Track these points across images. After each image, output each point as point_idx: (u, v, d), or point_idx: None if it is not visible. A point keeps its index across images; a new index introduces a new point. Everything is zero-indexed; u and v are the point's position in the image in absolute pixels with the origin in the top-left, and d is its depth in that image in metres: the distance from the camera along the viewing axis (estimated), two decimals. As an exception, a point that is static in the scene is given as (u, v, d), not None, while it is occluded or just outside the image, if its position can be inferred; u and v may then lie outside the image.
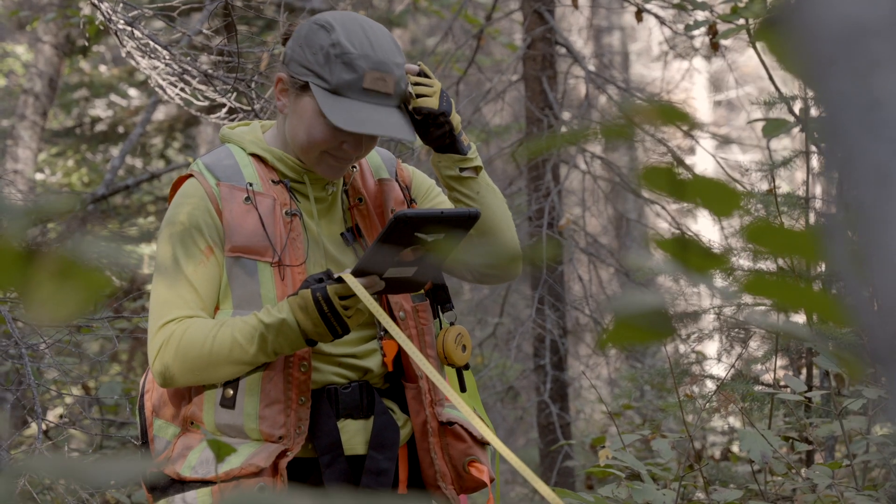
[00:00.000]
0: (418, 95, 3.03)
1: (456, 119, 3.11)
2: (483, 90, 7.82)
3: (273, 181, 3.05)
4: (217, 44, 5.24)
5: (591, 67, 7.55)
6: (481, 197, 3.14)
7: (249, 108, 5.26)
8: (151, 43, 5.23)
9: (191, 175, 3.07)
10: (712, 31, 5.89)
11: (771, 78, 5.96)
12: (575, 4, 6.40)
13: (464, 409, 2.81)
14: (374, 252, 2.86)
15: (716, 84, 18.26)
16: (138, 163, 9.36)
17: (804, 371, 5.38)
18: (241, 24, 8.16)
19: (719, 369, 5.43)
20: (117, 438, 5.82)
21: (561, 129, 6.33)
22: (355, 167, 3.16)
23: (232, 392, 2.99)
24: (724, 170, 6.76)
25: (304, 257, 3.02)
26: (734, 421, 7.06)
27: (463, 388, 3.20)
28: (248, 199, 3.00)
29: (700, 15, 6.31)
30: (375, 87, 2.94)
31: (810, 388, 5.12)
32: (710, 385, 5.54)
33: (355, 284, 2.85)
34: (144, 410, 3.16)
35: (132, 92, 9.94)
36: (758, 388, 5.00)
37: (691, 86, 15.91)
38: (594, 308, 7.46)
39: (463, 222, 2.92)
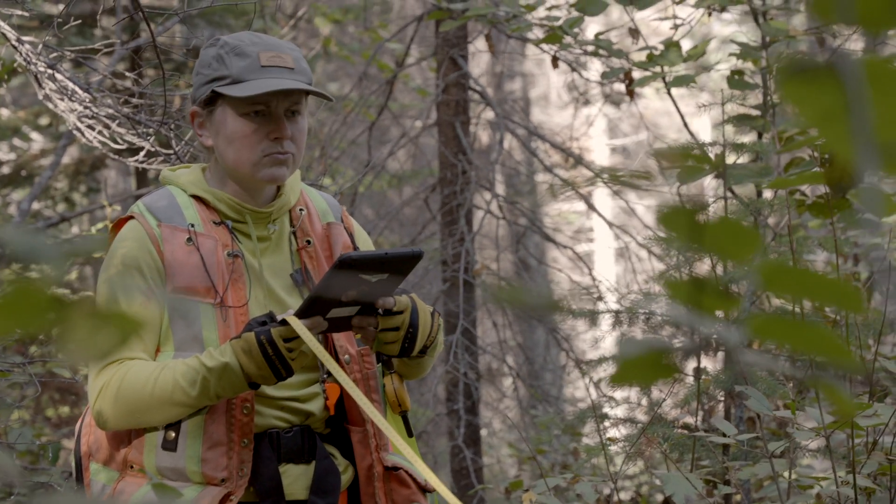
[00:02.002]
0: (385, 342, 2.97)
1: (426, 335, 3.03)
2: (395, 135, 7.85)
3: (214, 222, 3.04)
4: (142, 87, 5.20)
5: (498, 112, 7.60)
6: (424, 363, 3.15)
7: (171, 152, 5.22)
8: (71, 85, 5.18)
9: (131, 217, 3.05)
10: (628, 79, 5.97)
11: (686, 125, 6.06)
12: (492, 51, 6.46)
13: (409, 455, 2.81)
14: (317, 293, 2.86)
15: (612, 130, 18.50)
16: (42, 206, 9.25)
17: (723, 414, 5.44)
18: (150, 67, 8.12)
19: (639, 413, 5.48)
20: (28, 485, 5.70)
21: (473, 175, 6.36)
22: (303, 210, 3.15)
23: (174, 434, 2.96)
24: (633, 213, 6.84)
25: (245, 298, 3.01)
26: (653, 464, 7.12)
27: (410, 433, 3.20)
28: (189, 240, 2.98)
29: (614, 62, 6.40)
30: (274, 63, 2.97)
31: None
32: (624, 430, 5.58)
33: (300, 327, 2.84)
34: (80, 454, 3.12)
35: (35, 135, 9.83)
36: (678, 430, 5.05)
37: (592, 132, 16.10)
38: (505, 352, 7.49)
39: (406, 262, 2.92)
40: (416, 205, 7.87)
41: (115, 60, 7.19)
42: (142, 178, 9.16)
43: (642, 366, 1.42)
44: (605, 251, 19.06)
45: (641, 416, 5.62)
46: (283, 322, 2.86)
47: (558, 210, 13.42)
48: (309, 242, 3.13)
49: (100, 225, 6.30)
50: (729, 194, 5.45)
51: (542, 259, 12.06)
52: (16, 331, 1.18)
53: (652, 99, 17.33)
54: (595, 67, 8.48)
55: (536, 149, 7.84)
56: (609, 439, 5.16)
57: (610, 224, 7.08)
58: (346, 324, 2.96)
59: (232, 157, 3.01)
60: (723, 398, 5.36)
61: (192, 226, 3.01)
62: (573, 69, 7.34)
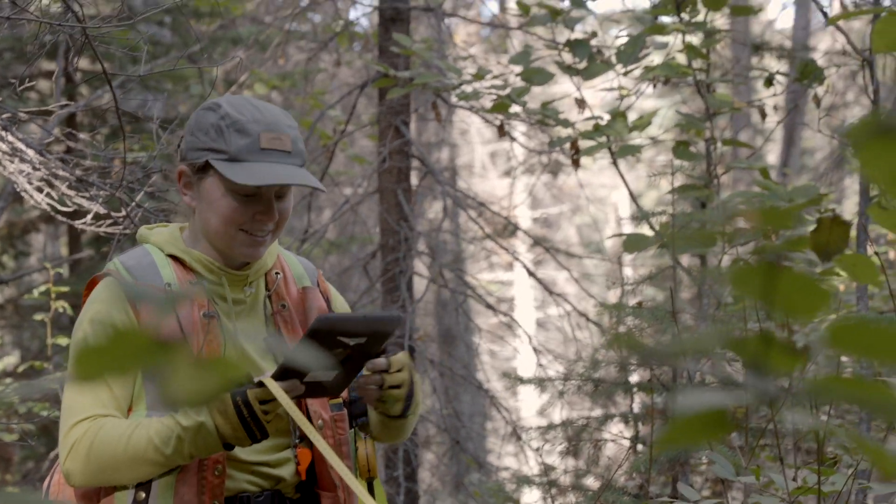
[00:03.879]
0: (389, 400, 2.97)
1: (417, 398, 3.07)
2: (332, 202, 7.86)
3: (191, 282, 3.02)
4: (96, 149, 5.17)
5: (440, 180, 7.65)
6: (407, 423, 3.14)
7: (121, 214, 5.19)
8: (22, 146, 5.14)
9: (106, 274, 3.03)
10: (574, 148, 6.04)
11: (631, 194, 6.13)
12: (438, 119, 6.50)
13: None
14: (295, 355, 2.84)
15: (533, 202, 18.65)
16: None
17: (671, 481, 5.48)
18: (86, 131, 8.07)
19: (587, 481, 5.50)
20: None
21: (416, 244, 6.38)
22: (279, 273, 3.14)
23: (144, 495, 2.93)
24: (543, 286, 6.87)
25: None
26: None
27: (374, 498, 3.19)
28: None
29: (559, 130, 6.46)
30: (273, 146, 2.95)
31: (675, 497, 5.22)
32: (573, 498, 5.59)
33: (276, 389, 2.82)
34: None
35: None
36: (626, 497, 5.07)
37: (516, 202, 16.22)
38: (444, 419, 7.48)
39: (386, 326, 2.92)
40: (355, 271, 7.86)
41: (53, 124, 7.14)
42: (75, 242, 9.07)
43: (698, 423, 1.42)
44: (526, 321, 19.12)
45: (589, 484, 5.64)
46: (260, 384, 2.85)
47: (479, 280, 13.45)
48: (284, 307, 3.12)
49: (42, 288, 6.22)
50: (675, 263, 5.51)
51: (467, 326, 12.07)
52: (116, 370, 1.18)
53: (572, 172, 17.51)
54: (532, 138, 8.56)
55: (478, 217, 7.88)
56: (560, 506, 5.17)
57: (550, 292, 7.11)
58: (323, 389, 2.95)
59: (213, 227, 2.99)
60: (670, 466, 5.40)
61: (169, 285, 2.99)
62: (512, 139, 7.40)
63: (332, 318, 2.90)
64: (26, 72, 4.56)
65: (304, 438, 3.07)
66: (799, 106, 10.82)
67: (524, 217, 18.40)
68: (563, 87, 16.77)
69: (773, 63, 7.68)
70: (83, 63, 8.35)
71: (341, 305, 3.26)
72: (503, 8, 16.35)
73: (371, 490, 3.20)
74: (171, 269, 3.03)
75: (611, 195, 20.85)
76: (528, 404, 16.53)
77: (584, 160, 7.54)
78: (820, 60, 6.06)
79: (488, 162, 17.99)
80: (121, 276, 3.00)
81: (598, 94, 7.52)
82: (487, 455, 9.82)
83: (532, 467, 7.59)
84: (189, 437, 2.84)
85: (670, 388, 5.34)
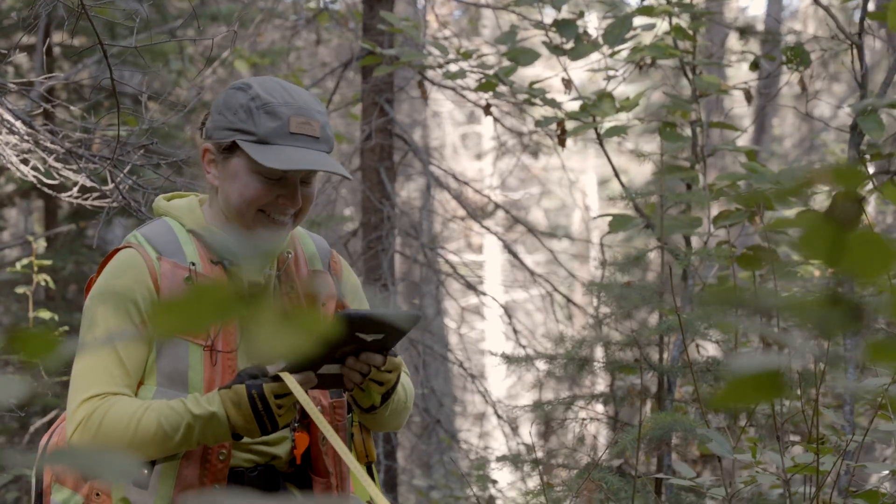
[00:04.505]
0: (366, 391, 2.98)
1: (393, 401, 3.07)
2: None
3: (211, 261, 3.01)
4: (87, 122, 5.13)
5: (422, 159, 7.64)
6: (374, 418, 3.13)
7: (110, 187, 5.15)
8: (9, 117, 5.09)
9: (127, 246, 3.00)
10: (560, 128, 6.04)
11: (617, 174, 6.14)
12: (424, 97, 6.49)
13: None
14: (311, 348, 2.83)
15: (503, 184, 18.65)
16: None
17: (656, 460, 5.50)
18: (65, 104, 8.01)
19: (575, 460, 5.51)
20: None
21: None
22: (290, 253, 3.13)
23: (147, 473, 2.93)
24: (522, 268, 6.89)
25: (235, 344, 2.98)
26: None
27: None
28: (189, 279, 2.94)
29: (543, 111, 6.47)
30: (302, 131, 2.93)
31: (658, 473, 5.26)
32: (564, 474, 5.61)
33: (294, 384, 2.82)
34: (43, 475, 3.06)
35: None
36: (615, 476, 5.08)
37: (487, 183, 16.23)
38: (422, 398, 7.49)
39: (404, 324, 2.91)
40: (336, 249, 7.84)
41: (35, 96, 7.08)
42: (51, 217, 9.02)
43: (754, 384, 1.43)
44: (493, 303, 19.11)
45: (572, 462, 5.65)
46: (276, 377, 2.84)
47: (453, 261, 13.48)
48: (292, 288, 3.11)
49: (24, 261, 6.18)
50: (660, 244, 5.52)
51: (439, 308, 12.07)
52: (205, 321, 1.18)
53: (547, 154, 17.51)
54: (507, 119, 8.56)
55: (460, 195, 7.88)
56: (548, 484, 5.18)
57: (532, 273, 7.12)
58: (335, 381, 2.96)
59: (235, 202, 2.98)
60: (656, 445, 5.42)
61: (193, 264, 2.97)
62: (496, 119, 7.40)
63: (354, 313, 2.91)
64: (19, 41, 4.52)
65: (301, 422, 3.09)
66: (771, 92, 10.87)
67: (496, 199, 18.39)
68: (534, 69, 16.80)
69: (747, 46, 7.70)
70: (60, 37, 8.29)
71: (353, 286, 3.25)
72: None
73: (371, 474, 3.21)
74: (193, 247, 3.01)
75: (580, 179, 20.89)
76: (497, 385, 16.56)
77: (551, 143, 7.54)
78: (806, 44, 6.09)
79: (459, 144, 18.00)
80: (144, 249, 2.97)
81: (575, 74, 7.52)
82: (458, 434, 9.83)
83: (508, 447, 7.60)
84: (199, 425, 2.84)
85: (657, 369, 5.36)
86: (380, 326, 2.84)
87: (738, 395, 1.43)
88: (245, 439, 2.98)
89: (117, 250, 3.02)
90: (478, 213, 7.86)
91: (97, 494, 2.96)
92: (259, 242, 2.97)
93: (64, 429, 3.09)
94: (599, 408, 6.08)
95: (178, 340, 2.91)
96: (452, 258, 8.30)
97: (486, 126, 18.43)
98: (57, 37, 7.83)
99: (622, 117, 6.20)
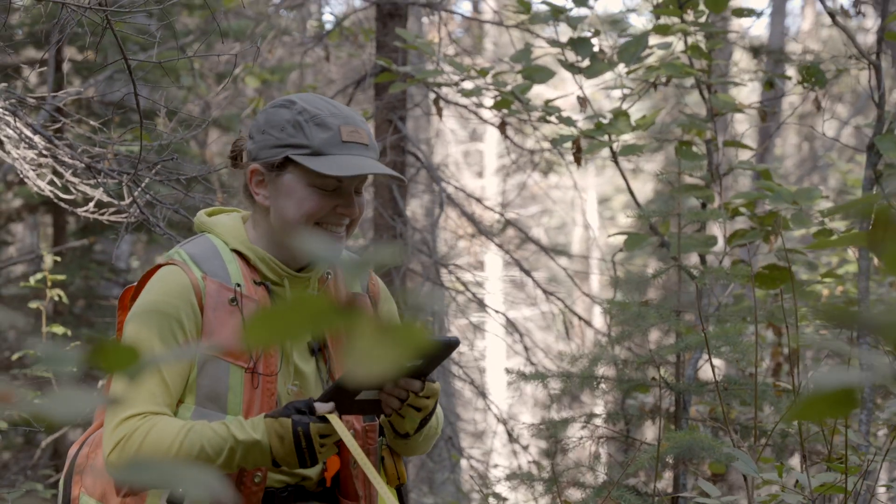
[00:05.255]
0: (404, 417, 2.99)
1: (431, 426, 3.10)
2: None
3: (255, 282, 2.99)
4: (106, 137, 5.12)
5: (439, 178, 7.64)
6: (407, 444, 3.13)
7: (128, 202, 5.15)
8: (27, 132, 5.09)
9: (171, 262, 2.99)
10: (576, 146, 6.04)
11: (632, 193, 6.14)
12: (439, 114, 6.49)
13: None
14: (350, 376, 2.83)
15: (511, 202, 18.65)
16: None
17: (672, 479, 5.49)
18: (73, 120, 8.02)
19: (593, 477, 5.50)
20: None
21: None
22: (330, 274, 3.12)
23: (181, 491, 2.91)
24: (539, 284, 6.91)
25: (277, 367, 2.97)
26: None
27: None
28: (234, 300, 2.93)
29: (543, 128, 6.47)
30: (353, 139, 2.93)
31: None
32: (578, 494, 5.59)
33: (341, 429, 2.82)
34: (71, 485, 3.05)
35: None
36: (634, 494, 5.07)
37: (495, 200, 16.25)
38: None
39: (443, 351, 2.91)
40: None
41: (49, 111, 7.09)
42: (60, 232, 9.01)
43: (829, 401, 1.43)
44: (493, 323, 19.09)
45: (590, 480, 5.64)
46: (323, 419, 2.84)
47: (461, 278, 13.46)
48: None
49: (39, 276, 6.16)
50: (675, 262, 5.52)
51: (442, 325, 12.06)
52: (301, 332, 1.17)
53: (554, 172, 17.53)
54: (516, 136, 8.56)
55: (461, 216, 7.87)
56: (564, 502, 5.17)
57: (545, 290, 7.12)
58: (373, 406, 2.95)
59: (291, 218, 2.96)
60: (672, 463, 5.42)
61: (239, 286, 2.96)
62: (506, 137, 7.40)
63: None
64: (43, 55, 4.52)
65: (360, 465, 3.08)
66: (777, 111, 10.88)
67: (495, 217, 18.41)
68: (539, 88, 16.82)
69: (759, 65, 7.71)
70: (79, 53, 8.30)
71: (389, 310, 3.24)
72: (476, 9, 16.37)
73: (401, 498, 3.20)
74: (238, 266, 2.99)
75: (579, 198, 20.80)
76: (500, 402, 16.54)
77: (562, 161, 7.54)
78: (822, 64, 6.09)
79: (462, 161, 18.02)
80: (188, 267, 2.96)
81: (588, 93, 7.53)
82: (464, 451, 9.81)
83: (518, 464, 7.58)
84: (241, 451, 2.84)
85: (674, 387, 5.35)
86: (419, 352, 2.82)
87: (815, 411, 1.43)
88: None
89: (159, 266, 3.01)
90: (488, 231, 7.86)
91: None
92: (334, 251, 2.98)
93: (95, 440, 3.07)
94: (607, 426, 6.07)
95: (220, 361, 2.90)
96: (465, 276, 8.29)
97: (489, 144, 18.45)
98: (71, 52, 7.83)
99: (633, 136, 6.20)
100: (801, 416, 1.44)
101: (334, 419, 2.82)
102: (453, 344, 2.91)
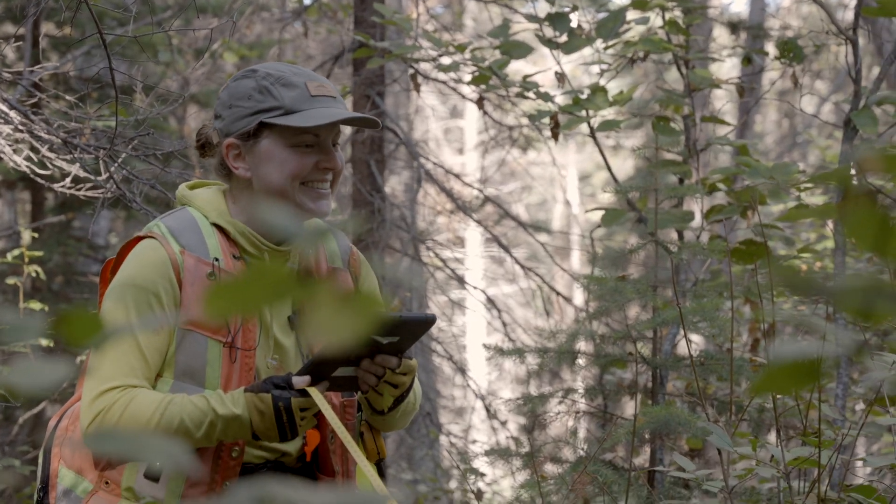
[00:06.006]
0: (381, 394, 3.00)
1: (408, 402, 3.11)
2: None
3: (234, 256, 2.99)
4: (83, 112, 5.10)
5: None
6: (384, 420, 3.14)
7: (105, 177, 5.13)
8: (1, 107, 5.07)
9: (150, 235, 2.98)
10: (554, 122, 6.04)
11: (609, 169, 6.14)
12: (416, 89, 6.48)
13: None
14: (328, 351, 2.84)
15: (490, 178, 18.62)
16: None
17: (650, 454, 5.51)
18: (50, 95, 7.98)
19: (571, 452, 5.51)
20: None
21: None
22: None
23: (160, 465, 2.91)
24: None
25: (255, 342, 2.97)
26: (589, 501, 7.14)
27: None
28: (212, 274, 2.93)
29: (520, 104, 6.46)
30: (321, 93, 2.96)
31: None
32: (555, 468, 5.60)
33: (321, 402, 2.82)
34: (50, 458, 3.04)
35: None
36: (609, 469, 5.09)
37: (475, 177, 16.22)
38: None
39: (419, 327, 2.92)
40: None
41: (25, 86, 7.05)
42: (37, 209, 8.98)
43: (791, 373, 1.43)
44: (473, 299, 19.10)
45: (568, 455, 5.65)
46: (302, 391, 2.84)
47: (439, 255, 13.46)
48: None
49: (16, 252, 6.14)
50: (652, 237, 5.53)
51: (421, 302, 12.06)
52: (263, 304, 1.17)
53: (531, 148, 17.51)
54: (494, 112, 8.55)
55: (440, 192, 7.87)
56: (541, 476, 5.18)
57: (523, 267, 7.13)
58: (350, 382, 2.96)
59: (276, 182, 2.97)
60: (649, 438, 5.43)
61: (217, 260, 2.96)
62: (484, 113, 7.40)
63: None
64: (17, 31, 4.50)
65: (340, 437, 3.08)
66: (755, 87, 10.89)
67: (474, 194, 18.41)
68: (517, 64, 16.81)
69: (737, 41, 7.72)
70: (54, 27, 8.26)
71: (371, 284, 3.24)
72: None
73: (381, 473, 3.21)
74: (217, 241, 2.99)
75: (559, 174, 20.81)
76: (480, 379, 16.57)
77: (540, 137, 7.54)
78: (800, 40, 6.10)
79: (442, 138, 18.00)
80: (167, 241, 2.96)
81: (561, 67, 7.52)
82: (444, 427, 9.83)
83: (497, 440, 7.60)
84: (222, 424, 2.84)
85: (651, 363, 5.37)
86: (395, 329, 2.83)
87: (777, 383, 1.43)
88: None
89: (139, 238, 3.00)
90: (467, 207, 7.86)
91: (106, 483, 2.94)
92: (311, 224, 2.98)
93: (75, 413, 3.06)
94: (586, 402, 6.09)
95: (198, 335, 2.90)
96: (444, 252, 8.30)
97: (469, 120, 18.44)
98: (48, 27, 7.80)
99: (611, 111, 6.21)
100: (764, 388, 1.45)
101: (314, 391, 2.82)
102: (430, 320, 2.91)
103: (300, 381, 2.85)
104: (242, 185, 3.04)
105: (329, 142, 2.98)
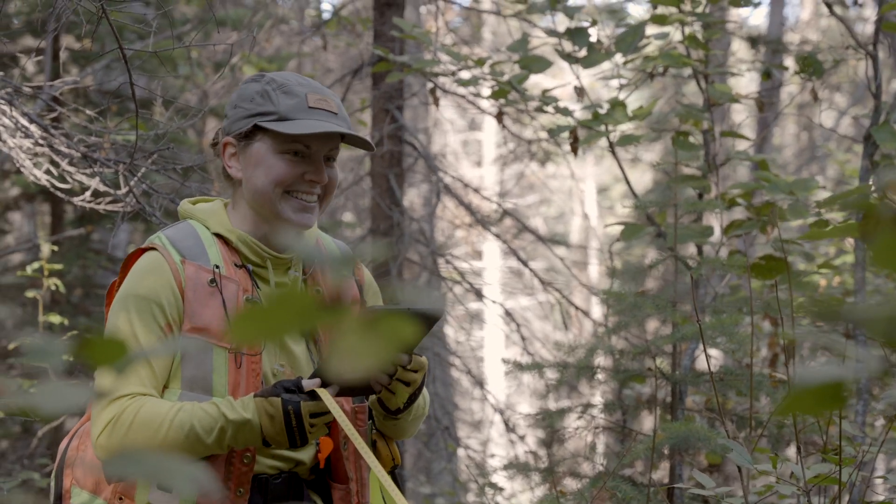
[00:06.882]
0: (394, 393, 3.00)
1: (419, 404, 3.12)
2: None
3: (236, 264, 3.00)
4: (102, 126, 5.11)
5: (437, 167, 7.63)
6: (395, 425, 3.14)
7: (124, 191, 5.14)
8: (24, 122, 5.08)
9: (152, 248, 2.99)
10: (573, 136, 6.04)
11: (628, 183, 6.13)
12: (436, 103, 6.48)
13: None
14: (337, 353, 2.81)
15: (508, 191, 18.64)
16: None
17: (668, 470, 5.49)
18: (71, 109, 8.00)
19: (589, 467, 5.50)
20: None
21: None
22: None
23: None
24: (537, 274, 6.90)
25: (261, 347, 2.97)
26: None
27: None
28: (213, 281, 2.94)
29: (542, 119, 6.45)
30: (320, 106, 2.98)
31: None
32: (576, 484, 5.59)
33: (332, 404, 2.82)
34: (63, 478, 3.04)
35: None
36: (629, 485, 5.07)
37: (485, 193, 16.24)
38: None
39: (427, 321, 2.90)
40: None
41: (46, 100, 7.07)
42: (57, 221, 9.00)
43: (816, 396, 1.42)
44: (491, 313, 19.11)
45: (586, 470, 5.65)
46: (312, 393, 2.84)
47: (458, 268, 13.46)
48: (318, 292, 3.11)
49: (36, 265, 6.16)
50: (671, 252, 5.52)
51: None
52: (287, 329, 1.17)
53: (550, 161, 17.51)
54: (513, 126, 8.55)
55: (458, 206, 7.87)
56: (560, 492, 5.17)
57: (542, 280, 7.12)
58: (359, 388, 2.95)
59: (261, 186, 2.98)
60: (668, 454, 5.42)
61: (217, 267, 2.97)
62: (503, 127, 7.40)
63: (378, 312, 2.88)
64: (39, 45, 4.51)
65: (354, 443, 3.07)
66: (774, 101, 10.88)
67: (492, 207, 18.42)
68: (536, 78, 16.81)
69: (756, 56, 7.70)
70: (75, 42, 8.28)
71: (374, 293, 3.24)
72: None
73: (395, 479, 3.20)
74: (218, 250, 3.01)
75: (579, 187, 20.80)
76: (498, 392, 16.56)
77: (559, 151, 7.53)
78: (819, 54, 6.09)
79: (460, 151, 18.02)
80: (168, 252, 2.97)
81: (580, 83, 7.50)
82: (462, 441, 9.83)
83: (515, 454, 7.58)
84: (232, 430, 2.84)
85: (670, 378, 5.35)
86: (404, 345, 2.81)
87: (802, 406, 1.42)
88: None
89: (141, 251, 3.01)
90: (486, 220, 7.86)
91: (120, 498, 2.94)
92: (305, 220, 2.97)
93: (85, 432, 3.07)
94: (605, 416, 6.08)
95: (203, 344, 2.91)
96: (461, 265, 8.30)
97: (487, 133, 18.44)
98: (68, 41, 7.82)
99: (629, 126, 6.20)
100: (790, 410, 1.44)
101: (325, 395, 2.82)
102: (438, 313, 2.89)
103: (310, 384, 2.85)
104: (241, 192, 3.06)
105: (320, 155, 2.99)
